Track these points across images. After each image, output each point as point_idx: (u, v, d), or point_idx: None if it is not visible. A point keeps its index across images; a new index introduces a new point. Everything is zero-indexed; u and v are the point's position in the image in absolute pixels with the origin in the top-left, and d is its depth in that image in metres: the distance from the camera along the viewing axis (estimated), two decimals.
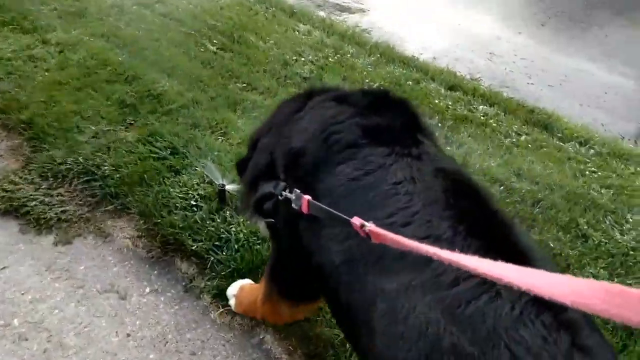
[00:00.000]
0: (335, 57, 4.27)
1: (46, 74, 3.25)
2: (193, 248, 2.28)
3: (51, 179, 2.56)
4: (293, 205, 1.37)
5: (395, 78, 4.11)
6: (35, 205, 2.41)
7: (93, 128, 2.84)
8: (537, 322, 0.88)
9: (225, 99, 3.32)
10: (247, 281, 2.15)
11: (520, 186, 3.01)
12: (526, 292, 0.73)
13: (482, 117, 3.79)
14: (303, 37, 4.52)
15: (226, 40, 4.16)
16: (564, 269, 2.46)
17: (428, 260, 0.98)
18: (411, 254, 1.01)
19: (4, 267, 2.17)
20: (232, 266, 2.23)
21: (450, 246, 1.04)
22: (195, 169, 2.68)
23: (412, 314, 1.00)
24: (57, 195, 2.49)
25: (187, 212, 2.44)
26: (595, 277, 2.46)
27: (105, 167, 2.61)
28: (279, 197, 1.48)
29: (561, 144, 3.67)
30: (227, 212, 2.46)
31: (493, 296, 0.94)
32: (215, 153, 2.79)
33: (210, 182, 2.60)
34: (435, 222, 1.12)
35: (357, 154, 1.34)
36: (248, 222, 2.35)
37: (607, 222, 2.88)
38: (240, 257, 2.24)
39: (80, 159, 2.64)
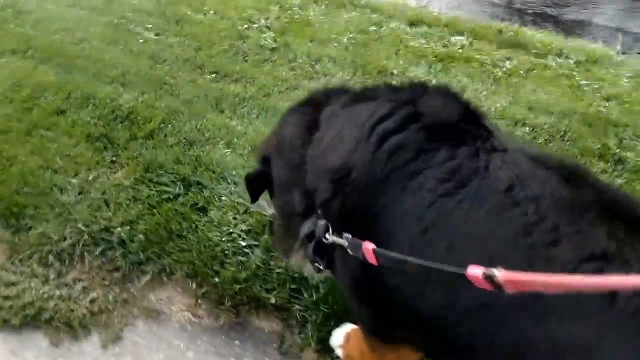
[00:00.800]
0: (287, 15, 3.75)
1: None
2: (272, 302, 1.90)
3: (56, 263, 1.98)
4: (350, 252, 1.06)
5: (358, 26, 3.69)
6: (56, 304, 1.86)
7: (74, 181, 2.23)
8: None
9: (204, 99, 2.77)
10: (350, 326, 1.82)
11: (541, 121, 2.84)
12: None
13: (460, 51, 3.54)
14: None
15: (160, 21, 3.47)
16: None
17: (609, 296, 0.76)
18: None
19: None
20: (322, 309, 1.88)
21: (624, 263, 0.79)
22: (221, 199, 2.22)
23: None
24: (75, 282, 1.94)
25: (240, 257, 2.01)
26: None
27: (117, 229, 2.07)
28: (324, 240, 1.16)
29: (543, 61, 3.53)
30: None
31: None
32: (233, 172, 2.32)
33: (247, 210, 2.17)
34: (587, 235, 0.84)
35: (432, 160, 1.02)
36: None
37: (628, 138, 2.83)
38: (328, 297, 1.90)
39: (81, 226, 2.06)
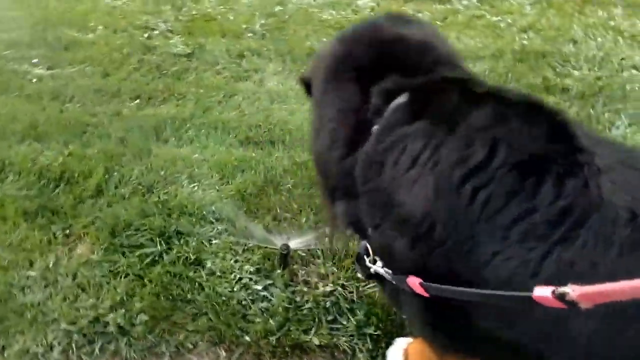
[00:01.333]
0: (183, 13, 3.33)
1: None
2: (316, 344, 1.69)
3: None
4: (394, 282, 1.03)
5: (263, 10, 3.41)
6: None
7: (33, 274, 1.80)
8: None
9: (140, 132, 2.36)
10: (405, 341, 1.66)
11: (481, 68, 2.82)
12: None
13: (373, 14, 3.40)
14: (123, 5, 3.39)
15: (46, 51, 2.90)
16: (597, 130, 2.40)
17: None
18: None
19: None
20: (368, 333, 1.72)
21: None
22: (212, 243, 1.93)
23: None
24: None
25: (262, 304, 1.77)
26: (614, 124, 2.46)
27: (109, 316, 1.70)
28: (369, 269, 1.12)
29: (450, 6, 3.53)
30: (300, 272, 1.86)
31: None
32: (212, 209, 2.03)
33: (245, 248, 1.91)
34: None
35: (534, 201, 0.86)
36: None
37: (560, 65, 2.91)
38: (369, 318, 1.74)
39: (65, 326, 1.66)
